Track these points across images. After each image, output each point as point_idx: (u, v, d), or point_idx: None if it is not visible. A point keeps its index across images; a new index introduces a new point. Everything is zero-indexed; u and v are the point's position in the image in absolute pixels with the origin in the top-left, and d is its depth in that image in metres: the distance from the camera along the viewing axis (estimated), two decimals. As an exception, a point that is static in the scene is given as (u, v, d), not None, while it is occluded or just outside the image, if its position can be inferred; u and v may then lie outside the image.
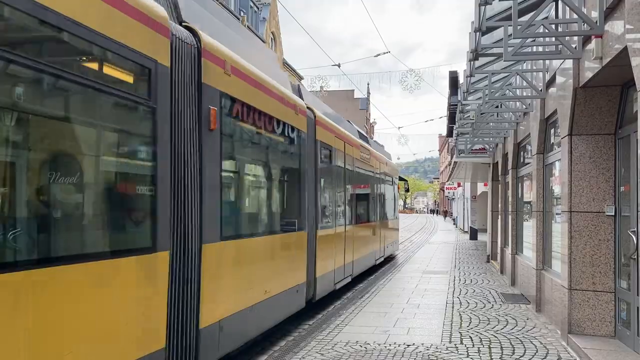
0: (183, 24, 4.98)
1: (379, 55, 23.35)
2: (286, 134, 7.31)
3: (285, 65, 37.62)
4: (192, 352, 4.75)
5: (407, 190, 24.91)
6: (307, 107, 8.41)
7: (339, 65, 22.71)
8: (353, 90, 65.50)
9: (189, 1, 5.33)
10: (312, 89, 26.39)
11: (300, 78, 38.15)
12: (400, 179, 21.14)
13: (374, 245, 14.11)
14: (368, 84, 65.16)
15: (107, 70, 3.85)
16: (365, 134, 14.72)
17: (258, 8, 34.46)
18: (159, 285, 4.24)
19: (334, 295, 10.35)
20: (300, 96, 8.48)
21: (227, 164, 5.65)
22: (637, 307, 5.84)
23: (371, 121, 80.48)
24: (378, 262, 14.71)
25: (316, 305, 9.10)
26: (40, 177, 3.36)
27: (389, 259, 17.59)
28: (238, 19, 28.48)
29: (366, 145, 13.51)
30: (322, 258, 8.93)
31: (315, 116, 8.71)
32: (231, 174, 5.86)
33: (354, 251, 11.51)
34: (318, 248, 8.62)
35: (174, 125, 4.48)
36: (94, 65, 3.76)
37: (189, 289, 4.71)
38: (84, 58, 3.67)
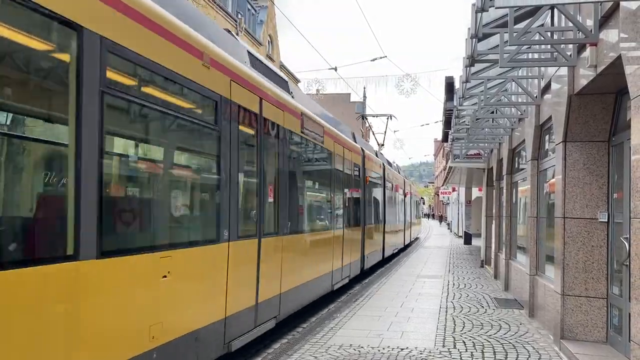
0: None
1: (375, 59, 23.37)
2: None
3: (283, 68, 37.63)
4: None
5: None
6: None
7: (335, 69, 22.73)
8: (349, 94, 65.52)
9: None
10: (308, 92, 26.43)
11: (297, 81, 38.12)
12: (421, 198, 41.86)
13: (417, 228, 34.48)
14: (364, 88, 65.21)
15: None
16: (406, 178, 28.49)
17: (255, 10, 34.51)
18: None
19: (329, 299, 10.37)
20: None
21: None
22: (629, 313, 5.87)
23: (367, 125, 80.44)
24: (419, 237, 35.40)
25: (314, 308, 9.11)
26: None
27: (416, 240, 31.99)
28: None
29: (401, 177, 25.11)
30: (388, 239, 18.92)
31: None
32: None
33: (412, 232, 28.42)
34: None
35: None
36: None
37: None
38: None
